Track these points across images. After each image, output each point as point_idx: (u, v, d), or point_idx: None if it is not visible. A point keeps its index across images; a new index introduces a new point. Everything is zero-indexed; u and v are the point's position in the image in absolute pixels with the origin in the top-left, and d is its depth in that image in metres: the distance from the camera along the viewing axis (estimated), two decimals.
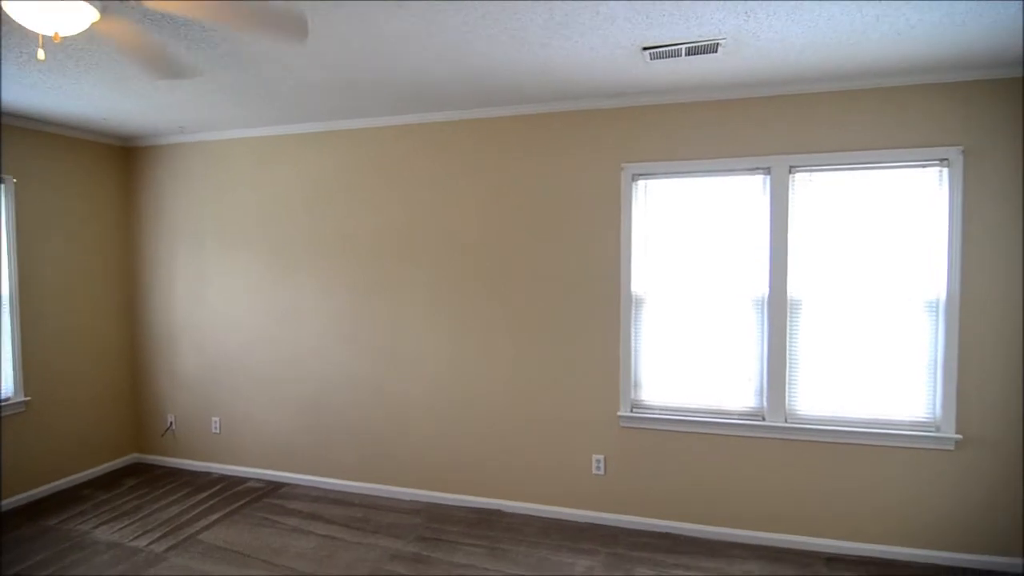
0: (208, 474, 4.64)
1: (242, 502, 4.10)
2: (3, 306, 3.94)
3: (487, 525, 3.72)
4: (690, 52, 2.78)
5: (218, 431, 4.65)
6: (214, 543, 3.50)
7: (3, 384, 3.94)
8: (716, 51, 2.76)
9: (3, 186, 3.91)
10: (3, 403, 3.91)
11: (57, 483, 4.28)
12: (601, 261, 3.64)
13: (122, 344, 4.80)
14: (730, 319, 3.47)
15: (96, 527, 3.71)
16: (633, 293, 3.60)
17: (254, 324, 4.49)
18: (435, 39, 2.60)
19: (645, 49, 2.74)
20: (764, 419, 3.41)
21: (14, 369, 3.99)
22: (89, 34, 2.42)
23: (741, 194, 3.43)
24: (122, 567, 3.23)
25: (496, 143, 3.82)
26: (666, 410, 3.59)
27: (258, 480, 4.50)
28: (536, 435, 3.83)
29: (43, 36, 1.67)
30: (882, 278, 3.24)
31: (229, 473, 4.62)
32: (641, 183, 3.58)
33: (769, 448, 3.41)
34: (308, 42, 2.60)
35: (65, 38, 2.35)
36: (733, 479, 3.47)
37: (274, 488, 4.35)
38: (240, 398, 4.57)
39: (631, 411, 3.62)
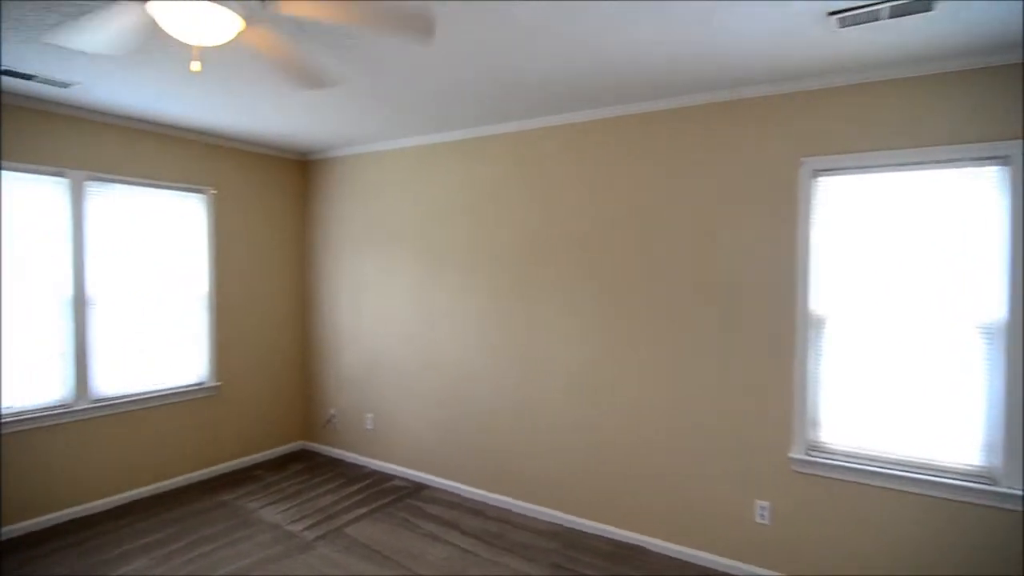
0: (361, 467, 4.88)
1: (387, 500, 4.21)
2: (203, 302, 4.51)
3: (627, 562, 3.36)
4: (895, 13, 2.22)
5: (371, 427, 4.87)
6: (358, 538, 3.61)
7: (199, 370, 4.53)
8: (930, 9, 2.16)
9: (205, 197, 4.48)
10: (199, 386, 4.47)
11: (235, 462, 4.80)
12: (770, 273, 3.11)
13: (295, 341, 5.28)
14: (946, 348, 2.73)
15: (263, 507, 4.05)
16: (812, 312, 3.01)
17: (403, 328, 4.64)
18: (573, 26, 2.38)
19: (832, 14, 2.24)
20: (997, 483, 2.61)
21: (209, 358, 4.55)
22: (255, 52, 2.59)
23: (962, 190, 2.69)
24: (278, 549, 3.45)
25: (644, 141, 3.48)
26: (854, 457, 2.93)
27: (403, 479, 4.62)
28: (687, 468, 3.39)
29: (197, 48, 1.77)
30: None
31: (378, 469, 4.82)
32: (824, 180, 2.99)
33: (1008, 524, 2.60)
34: (440, 42, 2.53)
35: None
36: (951, 557, 2.71)
37: (417, 489, 4.42)
38: (389, 398, 4.75)
39: (806, 454, 3.02)
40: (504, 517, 3.96)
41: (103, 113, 3.82)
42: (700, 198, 3.32)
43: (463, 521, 3.89)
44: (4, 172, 3.44)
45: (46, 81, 3.16)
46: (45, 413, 3.64)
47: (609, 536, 3.66)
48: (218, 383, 4.60)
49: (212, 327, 4.56)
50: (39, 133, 3.58)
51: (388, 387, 4.76)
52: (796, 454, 3.04)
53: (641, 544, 3.54)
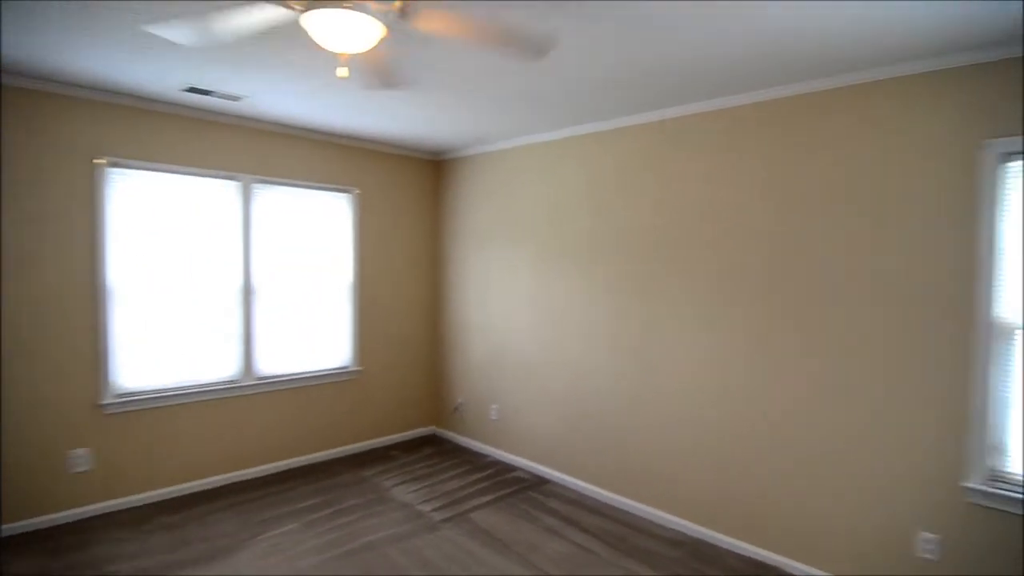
0: (485, 456, 5.02)
1: (510, 490, 4.30)
2: (348, 293, 4.90)
3: None
4: None
5: (496, 418, 5.00)
6: (481, 524, 3.72)
7: (342, 355, 4.93)
8: None
9: (350, 196, 4.86)
10: (344, 370, 4.87)
11: (373, 441, 5.17)
12: (939, 273, 2.70)
13: (427, 331, 5.56)
14: None
15: (396, 485, 4.33)
16: (997, 319, 2.57)
17: (526, 322, 4.69)
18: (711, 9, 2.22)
19: None
20: None
21: (352, 344, 4.94)
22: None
23: None
24: (408, 527, 3.66)
25: (785, 128, 3.16)
26: None
27: (525, 471, 4.68)
28: (836, 488, 3.06)
29: (344, 56, 1.90)
30: None
31: (501, 459, 4.93)
32: (1014, 166, 2.53)
33: None
34: (574, 37, 2.49)
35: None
36: None
37: (539, 483, 4.46)
38: (513, 391, 4.83)
39: (985, 484, 2.59)
40: (624, 519, 3.86)
41: (265, 121, 4.28)
42: (853, 189, 2.97)
43: (583, 519, 3.85)
44: (195, 177, 4.00)
45: (222, 96, 3.60)
46: (220, 387, 4.18)
47: (739, 552, 3.42)
48: (360, 368, 4.98)
49: (355, 316, 4.94)
50: (217, 141, 4.10)
51: (512, 380, 4.84)
52: (973, 483, 2.61)
53: (779, 566, 3.26)
